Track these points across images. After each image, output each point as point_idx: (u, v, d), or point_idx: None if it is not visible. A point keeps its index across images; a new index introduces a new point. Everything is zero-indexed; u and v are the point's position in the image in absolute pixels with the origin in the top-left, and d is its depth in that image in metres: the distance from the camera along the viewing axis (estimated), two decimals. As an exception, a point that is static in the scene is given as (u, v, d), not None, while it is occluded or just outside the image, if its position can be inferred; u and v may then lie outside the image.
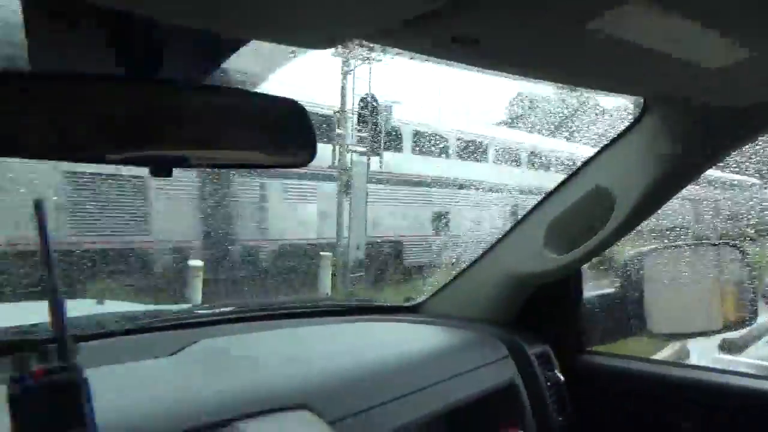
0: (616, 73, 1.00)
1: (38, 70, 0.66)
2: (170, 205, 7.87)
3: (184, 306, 1.64)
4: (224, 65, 0.76)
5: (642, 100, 1.30)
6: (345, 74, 9.28)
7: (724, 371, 1.70)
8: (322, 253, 8.68)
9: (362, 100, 9.54)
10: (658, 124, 1.28)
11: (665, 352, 5.58)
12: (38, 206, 0.77)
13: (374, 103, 9.83)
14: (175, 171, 0.71)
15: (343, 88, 9.42)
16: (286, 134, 0.74)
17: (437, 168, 10.82)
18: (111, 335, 1.23)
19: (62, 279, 0.76)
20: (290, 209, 9.33)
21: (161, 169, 0.68)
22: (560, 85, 1.45)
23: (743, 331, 6.53)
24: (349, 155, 9.49)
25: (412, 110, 10.51)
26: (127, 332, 1.27)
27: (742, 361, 5.93)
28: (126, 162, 0.68)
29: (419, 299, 1.85)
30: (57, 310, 0.75)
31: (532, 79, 1.07)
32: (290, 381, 1.09)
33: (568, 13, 0.69)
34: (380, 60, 9.11)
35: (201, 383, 1.08)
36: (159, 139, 0.66)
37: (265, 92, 0.72)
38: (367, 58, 8.99)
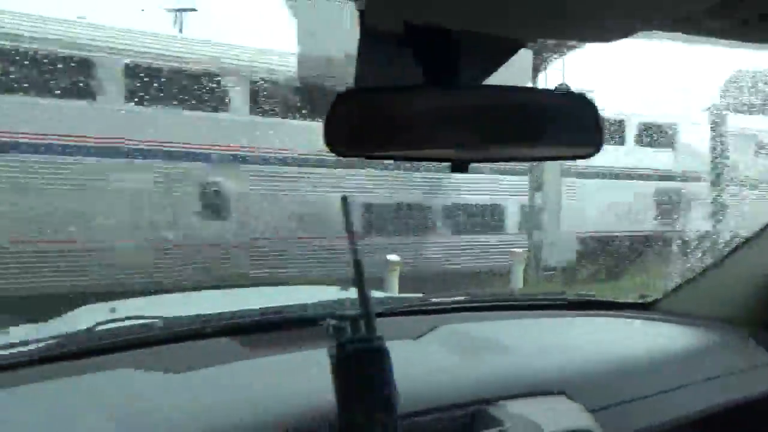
0: None
1: (364, 85, 0.78)
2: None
3: (418, 294, 1.76)
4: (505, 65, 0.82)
5: None
6: (538, 66, 9.04)
7: None
8: (514, 250, 8.58)
9: (556, 89, 9.17)
10: None
11: None
12: (344, 202, 0.91)
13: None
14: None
15: (534, 78, 9.17)
16: (573, 128, 0.77)
17: (662, 160, 10.02)
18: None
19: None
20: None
21: (460, 166, 0.76)
22: None
23: None
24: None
25: (608, 99, 9.86)
26: (379, 315, 1.40)
27: None
28: (430, 159, 0.78)
29: (652, 297, 1.75)
30: (363, 291, 0.88)
31: None
32: (547, 368, 1.12)
33: None
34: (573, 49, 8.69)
35: (456, 364, 1.15)
36: (457, 138, 0.74)
37: (550, 88, 0.76)
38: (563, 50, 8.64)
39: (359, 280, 0.90)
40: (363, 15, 0.68)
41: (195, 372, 1.09)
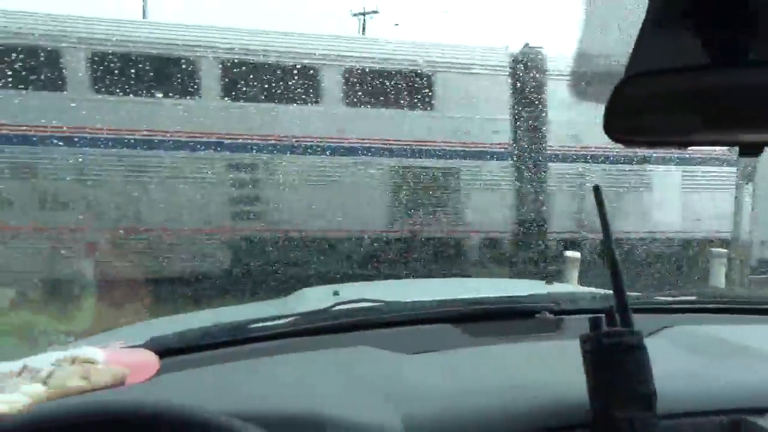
0: None
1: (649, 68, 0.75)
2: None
3: (644, 293, 1.67)
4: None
5: None
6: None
7: None
8: (713, 249, 7.69)
9: None
10: None
11: None
12: (597, 192, 0.90)
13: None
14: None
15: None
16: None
17: None
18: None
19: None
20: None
21: (750, 149, 0.71)
22: None
23: None
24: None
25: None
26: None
27: None
28: (716, 143, 0.73)
29: None
30: (619, 285, 0.85)
31: None
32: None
33: None
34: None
35: (701, 367, 1.07)
36: (747, 120, 0.69)
37: None
38: None
39: (614, 273, 0.87)
40: None
41: (428, 355, 1.14)
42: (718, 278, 7.40)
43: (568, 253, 7.31)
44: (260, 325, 1.28)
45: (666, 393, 0.93)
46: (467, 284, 2.58)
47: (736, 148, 0.76)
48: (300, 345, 1.19)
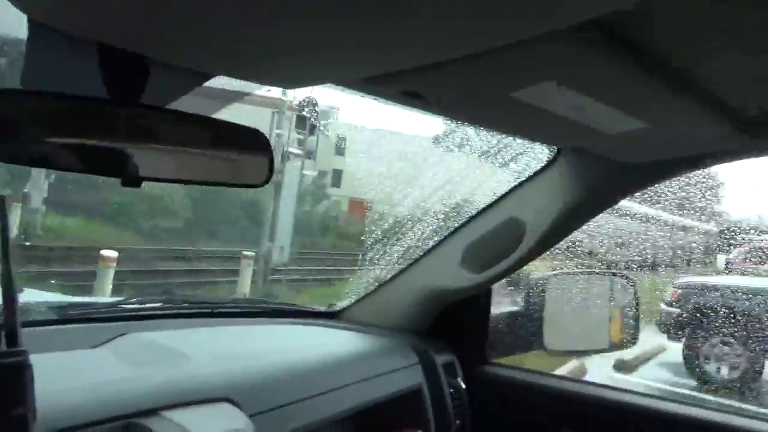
0: (535, 127, 1.16)
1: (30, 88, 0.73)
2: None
3: (112, 299, 1.66)
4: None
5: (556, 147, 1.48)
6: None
7: (606, 386, 1.91)
8: (244, 252, 8.61)
9: (301, 102, 9.55)
10: (568, 168, 1.46)
11: (567, 367, 5.99)
12: (1, 201, 0.83)
13: (314, 106, 9.86)
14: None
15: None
16: (246, 158, 0.85)
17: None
18: (38, 324, 1.25)
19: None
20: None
21: (131, 181, 0.76)
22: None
23: (636, 353, 7.11)
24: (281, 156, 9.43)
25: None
26: (55, 322, 1.29)
27: (633, 381, 6.46)
28: (99, 173, 0.76)
29: (340, 306, 1.95)
30: (11, 297, 0.80)
31: (471, 125, 1.22)
32: (214, 375, 1.16)
33: (494, 85, 0.83)
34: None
35: (126, 374, 1.12)
36: (132, 155, 0.75)
37: (229, 121, 0.82)
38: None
39: (7, 285, 0.81)
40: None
41: None
42: (245, 279, 8.32)
43: (103, 252, 6.93)
44: None
45: (68, 407, 0.93)
46: None
47: None
48: None
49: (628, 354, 6.90)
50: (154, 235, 9.70)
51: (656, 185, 1.55)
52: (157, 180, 0.84)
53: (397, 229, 2.51)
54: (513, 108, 0.93)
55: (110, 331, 1.32)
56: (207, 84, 0.88)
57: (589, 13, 0.62)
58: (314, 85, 0.84)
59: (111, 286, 6.37)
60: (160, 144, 0.77)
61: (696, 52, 0.81)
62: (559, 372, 5.21)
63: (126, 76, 0.74)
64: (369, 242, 2.82)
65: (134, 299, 1.57)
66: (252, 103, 8.03)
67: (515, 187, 1.60)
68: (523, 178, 1.58)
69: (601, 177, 1.41)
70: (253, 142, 0.84)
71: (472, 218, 1.70)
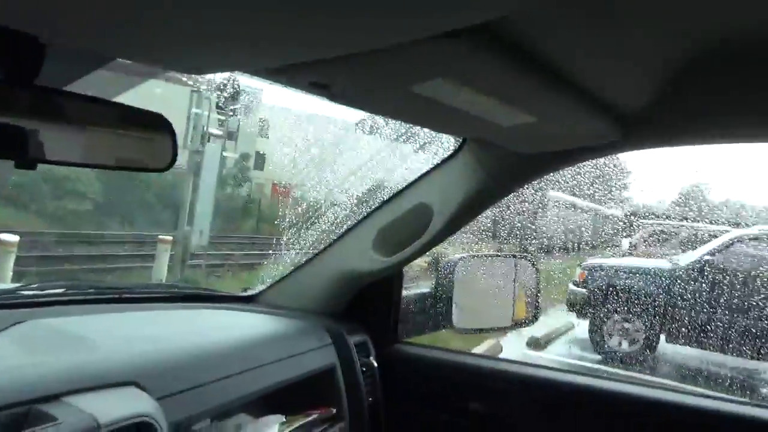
0: (438, 119, 1.22)
1: None
2: None
3: (10, 286, 1.59)
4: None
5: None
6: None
7: (511, 361, 2.04)
8: (161, 236, 8.32)
9: (222, 82, 9.27)
10: (472, 157, 1.55)
11: (483, 346, 6.28)
12: None
13: (236, 87, 9.60)
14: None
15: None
16: (148, 142, 0.85)
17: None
18: None
19: None
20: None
21: (25, 163, 0.75)
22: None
23: (547, 331, 7.54)
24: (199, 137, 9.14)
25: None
26: None
27: (544, 357, 6.86)
28: None
29: (256, 290, 1.96)
30: None
31: (376, 115, 1.27)
32: (120, 359, 1.16)
33: (395, 79, 0.88)
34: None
35: (26, 360, 1.10)
36: (26, 137, 0.74)
37: (130, 105, 0.82)
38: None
39: None
40: None
41: None
42: (162, 264, 8.05)
43: (2, 236, 6.49)
44: None
45: None
46: None
47: None
48: None
49: (539, 332, 7.31)
50: (61, 218, 9.19)
51: (551, 174, 1.67)
52: (54, 163, 0.83)
53: (314, 213, 2.54)
54: (414, 101, 0.98)
55: (8, 318, 1.27)
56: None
57: (476, 19, 0.68)
58: (219, 73, 0.86)
59: (11, 273, 6.00)
60: (57, 126, 0.77)
61: (573, 54, 0.90)
62: (477, 351, 5.47)
63: (20, 56, 0.73)
64: (287, 226, 2.84)
65: (35, 285, 1.52)
66: (169, 81, 7.73)
67: (424, 174, 1.67)
68: (432, 166, 1.65)
69: (500, 166, 1.51)
70: (155, 125, 0.85)
71: (384, 203, 1.75)
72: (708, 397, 1.69)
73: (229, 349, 1.42)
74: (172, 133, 0.86)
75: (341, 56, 0.76)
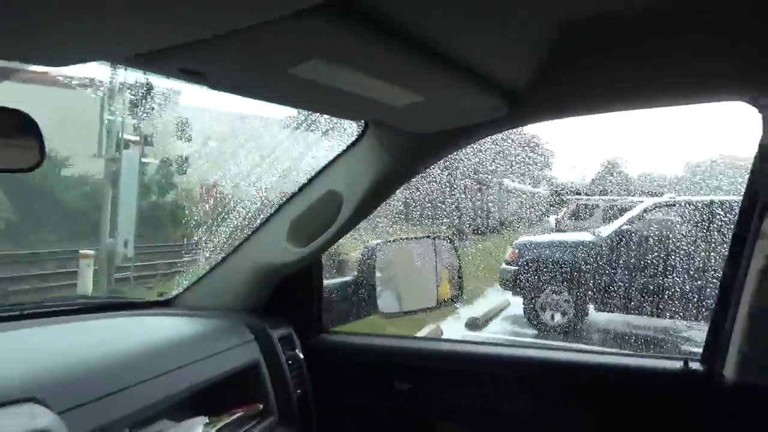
0: (329, 102, 1.22)
1: None
2: None
3: None
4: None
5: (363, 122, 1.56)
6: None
7: (435, 339, 2.09)
8: (82, 251, 7.90)
9: (134, 84, 8.85)
10: (376, 141, 1.56)
11: (424, 331, 6.37)
12: None
13: (149, 89, 9.20)
14: None
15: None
16: (12, 142, 0.80)
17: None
18: None
19: None
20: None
21: None
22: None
23: (485, 311, 7.75)
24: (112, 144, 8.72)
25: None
26: None
27: (482, 336, 7.04)
28: None
29: (172, 293, 1.91)
30: None
31: (266, 102, 1.25)
32: (18, 376, 1.10)
33: (271, 62, 0.87)
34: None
35: None
36: None
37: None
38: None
39: None
40: None
41: None
42: (86, 280, 7.65)
43: None
44: None
45: None
46: None
47: None
48: None
49: (477, 313, 7.51)
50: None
51: (451, 154, 1.71)
52: None
53: (231, 211, 2.49)
54: (296, 84, 0.97)
55: None
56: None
57: None
58: (84, 63, 0.82)
59: None
60: None
61: (449, 33, 0.92)
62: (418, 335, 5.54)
63: None
64: (208, 227, 2.77)
65: None
66: (67, 87, 7.35)
67: (331, 161, 1.67)
68: (338, 152, 1.65)
69: (403, 148, 1.53)
70: (18, 124, 0.80)
71: (294, 194, 1.74)
72: (623, 354, 1.81)
73: (141, 354, 1.38)
74: (38, 131, 0.82)
75: (208, 40, 0.74)
